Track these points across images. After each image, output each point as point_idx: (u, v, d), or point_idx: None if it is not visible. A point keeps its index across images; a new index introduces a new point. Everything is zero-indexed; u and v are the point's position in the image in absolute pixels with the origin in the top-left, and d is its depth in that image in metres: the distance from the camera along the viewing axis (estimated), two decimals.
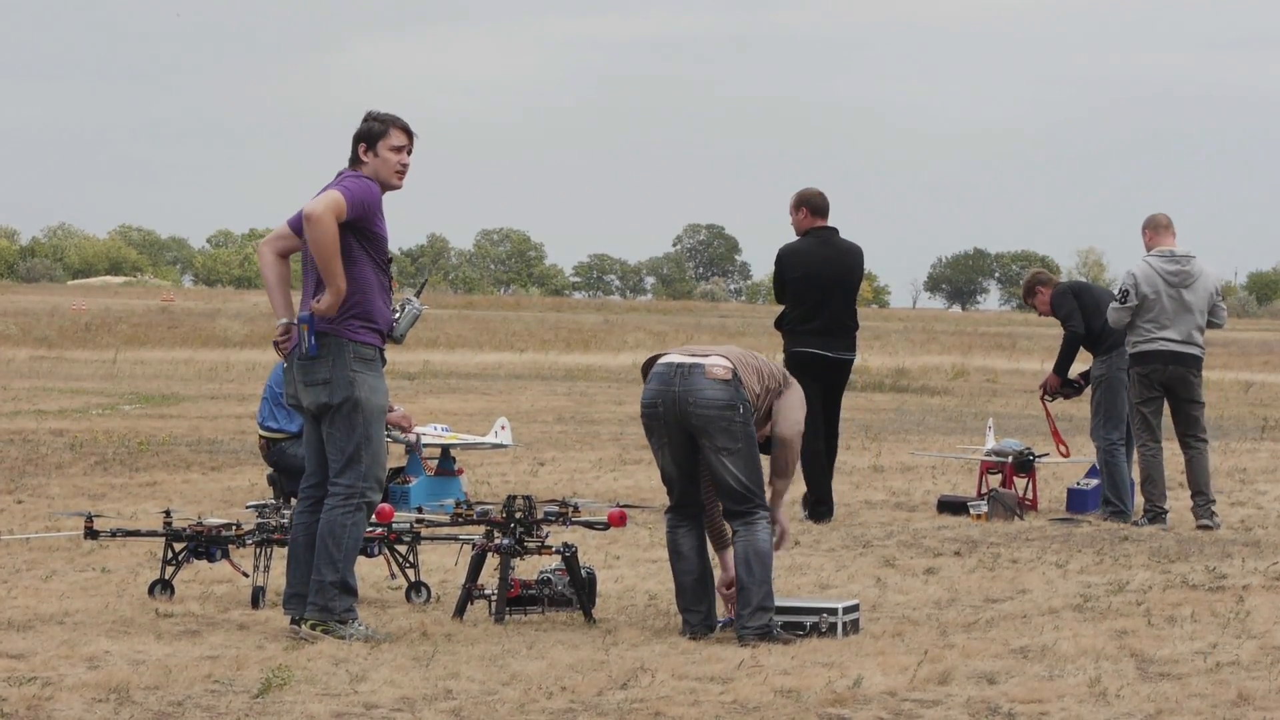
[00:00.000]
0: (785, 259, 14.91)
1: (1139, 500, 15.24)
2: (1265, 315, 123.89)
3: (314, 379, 9.37)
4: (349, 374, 9.34)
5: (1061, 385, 15.93)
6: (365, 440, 9.37)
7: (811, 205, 14.92)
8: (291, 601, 9.44)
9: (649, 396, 9.55)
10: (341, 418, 9.35)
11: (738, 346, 9.77)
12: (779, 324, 14.99)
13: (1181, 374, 14.88)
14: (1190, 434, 14.96)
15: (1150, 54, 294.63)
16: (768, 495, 9.59)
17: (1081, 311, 15.54)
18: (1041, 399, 16.21)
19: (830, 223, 14.93)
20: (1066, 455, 16.52)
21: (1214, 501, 14.93)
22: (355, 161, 9.55)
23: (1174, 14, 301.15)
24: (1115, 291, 15.07)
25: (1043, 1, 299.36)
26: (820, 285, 14.67)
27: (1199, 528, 14.61)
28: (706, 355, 9.54)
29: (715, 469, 9.46)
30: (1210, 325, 15.01)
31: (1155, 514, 14.85)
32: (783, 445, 9.63)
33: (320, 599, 9.32)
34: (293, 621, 9.40)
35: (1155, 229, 15.04)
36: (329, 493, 9.40)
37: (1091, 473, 15.78)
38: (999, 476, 16.07)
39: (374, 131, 9.54)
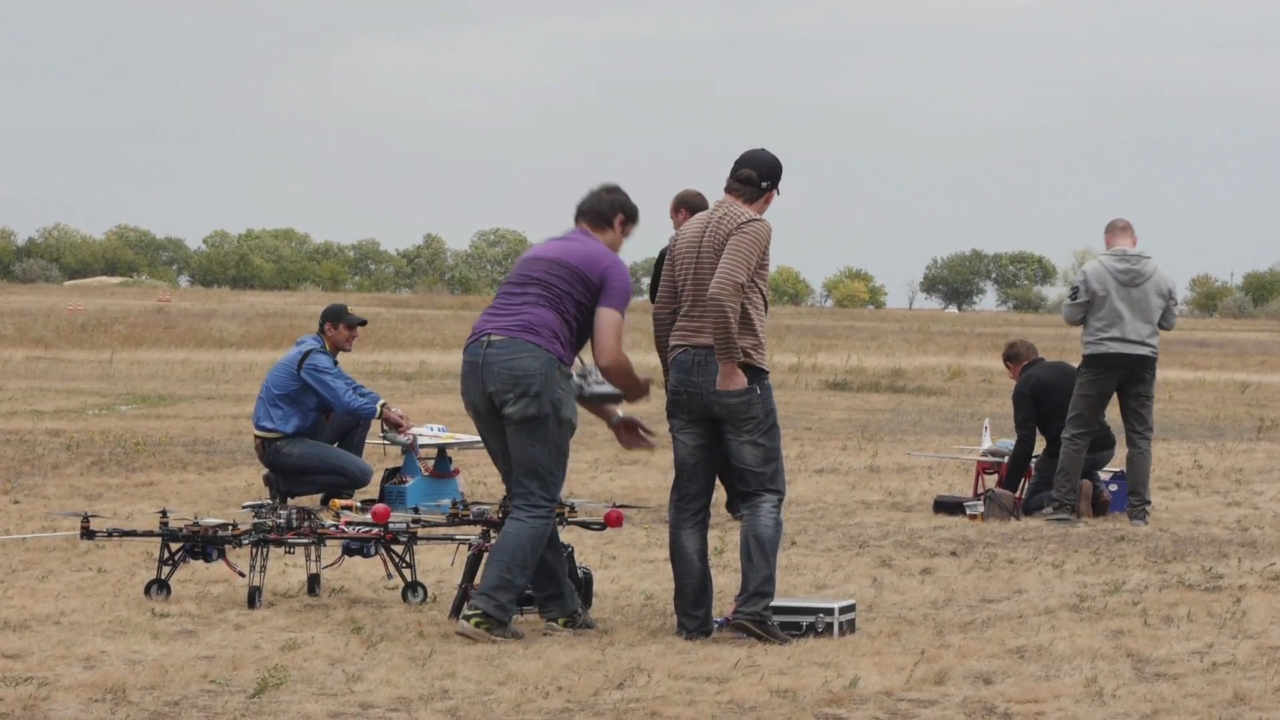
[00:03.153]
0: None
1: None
2: (1262, 316, 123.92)
3: (524, 390, 9.48)
4: (558, 392, 9.54)
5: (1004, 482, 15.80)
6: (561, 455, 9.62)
7: (691, 206, 14.34)
8: (549, 606, 9.71)
9: (673, 385, 9.60)
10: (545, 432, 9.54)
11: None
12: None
13: (1130, 373, 15.03)
14: (1134, 430, 15.12)
15: (1148, 54, 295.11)
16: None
17: (1038, 419, 15.60)
18: (981, 472, 16.18)
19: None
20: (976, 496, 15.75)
21: (1149, 502, 15.05)
22: (599, 222, 9.66)
23: (1173, 14, 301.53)
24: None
25: (1040, 1, 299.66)
26: None
27: (1132, 521, 14.76)
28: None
29: (734, 452, 9.49)
30: (1160, 327, 15.14)
31: (1060, 505, 14.97)
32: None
33: (500, 597, 9.41)
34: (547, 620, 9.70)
35: (1113, 231, 15.28)
36: (523, 503, 9.52)
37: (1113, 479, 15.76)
38: (994, 477, 16.07)
39: (635, 216, 9.75)
